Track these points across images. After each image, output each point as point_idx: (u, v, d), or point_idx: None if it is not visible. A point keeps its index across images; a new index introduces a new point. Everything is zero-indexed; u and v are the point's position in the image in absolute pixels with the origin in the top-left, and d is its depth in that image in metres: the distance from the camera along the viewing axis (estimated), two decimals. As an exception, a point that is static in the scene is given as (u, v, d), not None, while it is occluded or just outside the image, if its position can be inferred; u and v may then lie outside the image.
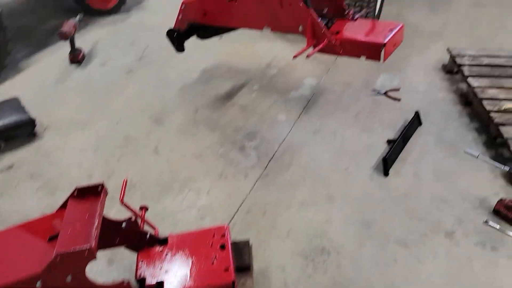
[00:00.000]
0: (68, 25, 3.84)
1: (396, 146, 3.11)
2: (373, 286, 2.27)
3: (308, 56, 2.78)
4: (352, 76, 3.96)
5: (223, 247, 1.92)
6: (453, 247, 2.47)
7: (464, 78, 3.68)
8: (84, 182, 2.83)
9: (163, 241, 1.99)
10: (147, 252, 1.94)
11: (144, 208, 2.05)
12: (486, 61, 3.84)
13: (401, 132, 3.23)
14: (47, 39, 4.38)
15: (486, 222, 2.63)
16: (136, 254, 1.95)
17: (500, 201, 2.67)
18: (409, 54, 4.27)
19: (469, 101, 3.61)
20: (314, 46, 2.90)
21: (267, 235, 2.54)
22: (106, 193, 1.79)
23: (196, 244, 1.96)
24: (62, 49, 4.15)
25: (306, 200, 2.77)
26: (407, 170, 3.01)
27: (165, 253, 1.94)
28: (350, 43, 2.83)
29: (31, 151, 3.08)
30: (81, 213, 1.73)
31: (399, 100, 3.68)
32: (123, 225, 1.90)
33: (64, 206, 1.80)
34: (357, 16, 3.15)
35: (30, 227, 1.80)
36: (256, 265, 2.29)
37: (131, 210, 1.91)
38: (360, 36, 2.85)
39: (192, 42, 3.62)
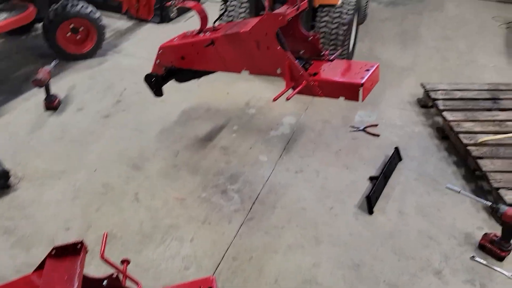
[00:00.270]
0: (43, 72, 3.78)
1: (379, 183, 3.12)
2: (366, 332, 2.21)
3: (287, 99, 2.79)
4: (330, 114, 4.00)
5: (211, 301, 1.84)
6: (442, 287, 2.44)
7: (439, 112, 3.77)
8: (62, 236, 2.72)
9: (148, 299, 1.89)
10: (131, 311, 1.84)
11: (125, 262, 1.96)
12: (459, 94, 3.95)
13: (383, 169, 3.25)
14: (22, 85, 4.30)
15: (473, 257, 2.63)
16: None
17: (485, 235, 2.68)
18: (384, 89, 4.37)
19: (446, 135, 3.68)
20: (293, 88, 2.92)
21: (255, 283, 2.47)
22: (86, 251, 1.70)
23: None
24: (37, 95, 4.07)
25: (292, 243, 2.72)
26: (391, 207, 3.01)
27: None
28: (328, 84, 2.87)
29: (4, 204, 2.95)
30: (60, 274, 1.63)
31: (378, 135, 3.73)
32: (105, 282, 1.81)
33: (41, 266, 1.70)
34: (333, 56, 3.21)
35: (6, 290, 1.69)
36: (245, 318, 2.20)
37: (112, 265, 1.82)
38: (338, 77, 2.89)
39: (169, 84, 3.60)
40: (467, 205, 3.01)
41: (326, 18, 4.26)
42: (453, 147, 3.57)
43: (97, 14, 4.64)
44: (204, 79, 3.83)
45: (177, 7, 3.35)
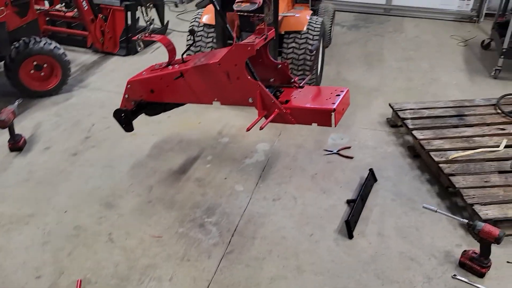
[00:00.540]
0: (6, 112, 3.64)
1: (356, 206, 3.12)
2: None
3: (261, 128, 2.78)
4: (303, 138, 4.01)
5: None
6: (428, 308, 2.43)
7: (409, 131, 3.84)
8: (32, 285, 2.57)
9: None
10: None
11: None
12: (426, 113, 4.05)
13: (359, 191, 3.25)
14: (-17, 126, 4.13)
15: (455, 276, 2.64)
16: None
17: (464, 253, 2.70)
18: (355, 111, 4.43)
19: (417, 153, 3.75)
20: (266, 117, 2.91)
21: (239, 320, 2.39)
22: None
23: None
24: (1, 136, 3.91)
25: (275, 275, 2.66)
26: (370, 230, 3.01)
27: None
28: (300, 112, 2.88)
29: (-32, 255, 2.78)
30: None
31: (351, 158, 3.75)
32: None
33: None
34: (302, 83, 3.24)
35: None
36: None
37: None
38: (310, 104, 2.91)
39: (139, 116, 3.53)
40: (444, 223, 3.04)
41: (293, 45, 4.32)
42: (425, 165, 3.63)
43: (61, 50, 4.55)
44: (174, 110, 3.79)
45: (143, 40, 3.30)
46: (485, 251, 2.62)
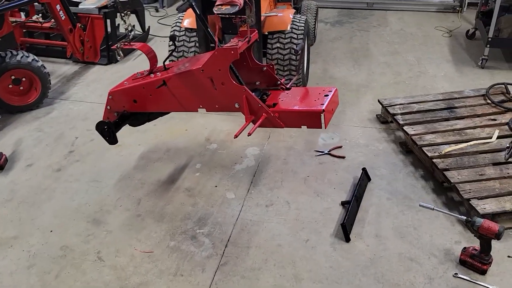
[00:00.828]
0: (-17, 130, 3.51)
1: (351, 208, 3.04)
2: None
3: (249, 134, 2.69)
4: (293, 139, 3.93)
5: None
6: (432, 311, 2.36)
7: (400, 127, 3.77)
8: (18, 314, 2.45)
9: None
10: None
11: None
12: (416, 107, 3.99)
13: (353, 192, 3.18)
14: (-39, 146, 3.98)
15: (456, 274, 2.57)
16: None
17: (464, 250, 2.64)
18: (343, 109, 4.36)
19: (410, 149, 3.68)
20: (253, 122, 2.82)
21: (238, 336, 2.29)
22: None
23: None
24: (-20, 155, 3.77)
25: (272, 285, 2.57)
26: (367, 231, 2.93)
27: None
28: (289, 115, 2.79)
29: (-51, 284, 2.65)
30: None
31: (343, 157, 3.68)
32: None
33: None
34: (289, 84, 3.15)
35: None
36: None
37: None
38: (298, 106, 2.82)
39: (124, 127, 3.42)
40: (442, 220, 2.98)
41: (277, 45, 4.24)
42: (418, 161, 3.56)
43: (39, 62, 4.40)
44: (159, 118, 3.68)
45: (123, 49, 3.18)
46: (486, 248, 2.55)
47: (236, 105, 2.84)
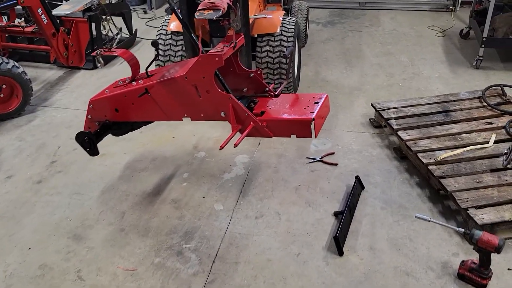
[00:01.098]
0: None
1: (344, 219, 2.91)
2: None
3: (235, 145, 2.56)
4: (283, 146, 3.80)
5: None
6: (430, 331, 2.24)
7: (394, 132, 3.65)
8: None
9: None
10: None
11: None
12: (410, 111, 3.87)
13: (346, 202, 3.05)
14: None
15: (455, 290, 2.45)
16: None
17: (463, 263, 2.52)
18: (336, 113, 4.23)
19: (404, 155, 3.57)
20: (240, 132, 2.69)
21: None
22: None
23: None
24: (-43, 167, 3.61)
25: (261, 304, 2.44)
26: (361, 244, 2.81)
27: None
28: (277, 124, 2.66)
29: None
30: None
31: (336, 164, 3.55)
32: None
33: None
34: (278, 90, 3.02)
35: None
36: None
37: None
38: (287, 115, 2.69)
39: (108, 135, 3.27)
40: (439, 230, 2.86)
41: (266, 48, 4.10)
42: (413, 167, 3.45)
43: (20, 69, 4.24)
44: (145, 126, 3.54)
45: (103, 56, 3.03)
46: (485, 261, 2.43)
47: (222, 114, 2.71)
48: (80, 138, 3.03)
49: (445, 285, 2.49)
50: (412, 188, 3.26)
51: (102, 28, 3.08)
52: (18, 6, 4.63)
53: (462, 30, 5.94)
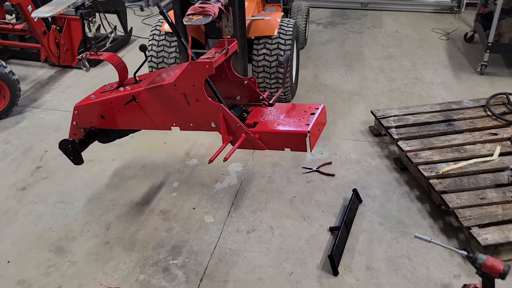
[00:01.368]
0: None
1: (340, 236, 2.77)
2: None
3: (225, 159, 2.41)
4: (279, 154, 3.64)
5: None
6: None
7: (394, 142, 3.50)
8: None
9: None
10: None
11: None
12: (411, 119, 3.71)
13: (343, 217, 2.91)
14: None
15: (456, 316, 2.31)
16: None
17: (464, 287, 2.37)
18: (334, 119, 4.08)
19: (404, 166, 3.42)
20: (232, 143, 2.54)
21: None
22: None
23: None
24: None
25: (250, 329, 2.30)
26: (358, 263, 2.66)
27: None
28: (270, 136, 2.51)
29: None
30: None
31: (333, 175, 3.40)
32: None
33: None
34: (272, 99, 2.87)
35: None
36: None
37: None
38: (281, 126, 2.53)
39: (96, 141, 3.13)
40: (439, 249, 2.72)
41: (263, 51, 3.94)
42: (414, 179, 3.30)
43: (7, 68, 4.08)
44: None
45: (89, 59, 2.87)
46: (488, 287, 2.28)
47: (213, 124, 2.56)
48: (64, 146, 2.89)
49: (445, 311, 2.35)
50: (412, 202, 3.11)
51: (87, 30, 2.91)
52: (7, 3, 4.47)
53: (466, 34, 5.77)
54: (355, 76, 4.98)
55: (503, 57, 5.23)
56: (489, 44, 4.70)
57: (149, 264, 2.70)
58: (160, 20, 4.17)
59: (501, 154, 3.24)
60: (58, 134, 3.96)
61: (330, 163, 3.53)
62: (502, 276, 2.20)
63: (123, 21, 5.82)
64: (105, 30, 5.32)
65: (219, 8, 2.32)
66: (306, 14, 5.47)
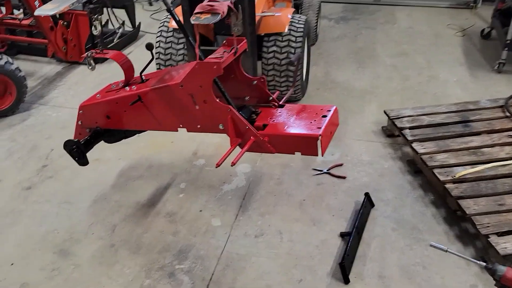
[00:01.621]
0: None
1: (352, 242, 2.67)
2: None
3: (232, 164, 2.32)
4: (288, 156, 3.48)
5: None
6: None
7: (408, 143, 3.39)
8: None
9: None
10: None
11: None
12: (426, 120, 3.59)
13: (354, 222, 2.81)
14: None
15: (472, 330, 2.21)
16: None
17: (482, 300, 2.27)
18: (345, 119, 3.97)
19: (419, 168, 3.30)
20: (240, 146, 2.45)
21: None
22: None
23: None
24: None
25: None
26: (370, 270, 2.57)
27: None
28: (280, 139, 2.41)
29: None
30: None
31: (344, 177, 3.30)
32: None
33: None
34: (283, 100, 2.77)
35: None
36: None
37: None
38: (291, 129, 2.44)
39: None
40: (455, 258, 2.58)
41: (273, 48, 3.84)
42: (428, 183, 3.19)
43: (14, 65, 4.03)
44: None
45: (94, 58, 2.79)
46: (508, 300, 2.18)
47: (221, 127, 2.47)
48: (69, 146, 2.82)
49: (461, 324, 2.25)
50: (427, 207, 3.01)
51: (93, 28, 2.83)
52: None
53: (483, 30, 5.59)
54: (367, 73, 4.85)
55: (521, 54, 5.06)
56: (508, 42, 4.54)
57: (154, 269, 2.63)
58: (168, 16, 4.08)
59: (520, 158, 3.11)
60: (64, 132, 3.90)
61: (341, 165, 3.43)
62: (523, 289, 2.10)
63: (131, 16, 5.74)
64: (113, 26, 5.28)
65: (228, 6, 2.23)
66: (317, 9, 5.35)
